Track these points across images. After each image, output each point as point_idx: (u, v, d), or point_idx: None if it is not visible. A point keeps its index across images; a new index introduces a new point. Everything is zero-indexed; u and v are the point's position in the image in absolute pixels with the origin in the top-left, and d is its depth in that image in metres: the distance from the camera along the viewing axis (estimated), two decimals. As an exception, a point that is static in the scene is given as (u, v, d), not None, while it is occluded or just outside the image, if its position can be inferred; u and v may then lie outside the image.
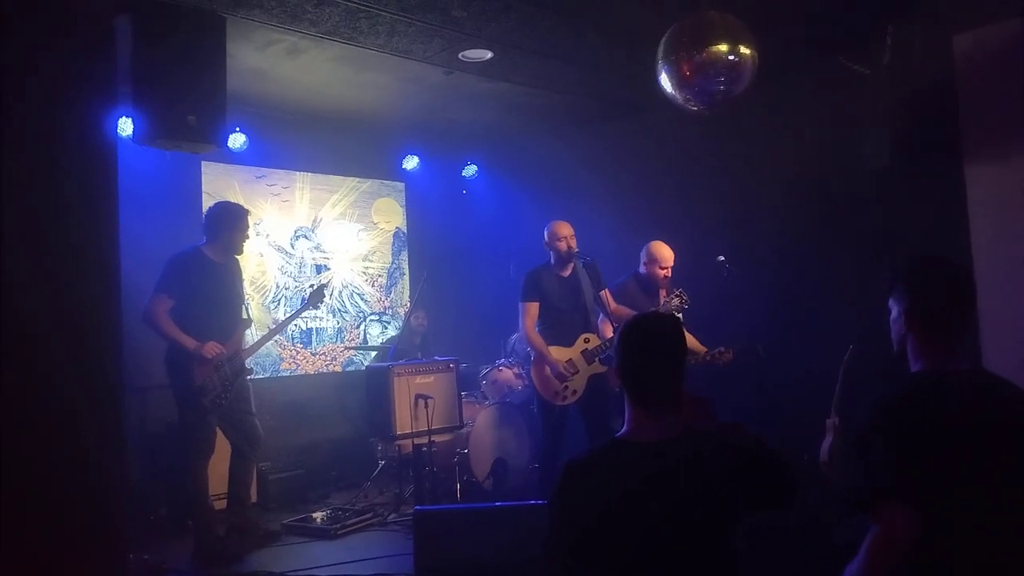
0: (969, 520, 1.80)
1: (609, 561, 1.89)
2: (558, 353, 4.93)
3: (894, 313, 2.05)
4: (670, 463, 1.90)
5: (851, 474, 1.90)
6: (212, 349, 4.65)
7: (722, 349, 5.02)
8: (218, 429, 4.85)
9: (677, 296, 4.83)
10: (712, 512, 1.87)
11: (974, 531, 1.80)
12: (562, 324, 4.98)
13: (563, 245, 4.99)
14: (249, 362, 5.00)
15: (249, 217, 5.02)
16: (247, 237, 4.98)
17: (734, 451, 1.95)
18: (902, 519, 1.77)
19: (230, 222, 4.87)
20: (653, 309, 4.89)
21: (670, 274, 5.21)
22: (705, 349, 5.09)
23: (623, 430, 2.02)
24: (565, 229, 5.02)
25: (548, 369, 4.90)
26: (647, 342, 2.04)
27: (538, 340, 4.94)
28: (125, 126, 5.27)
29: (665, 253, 5.21)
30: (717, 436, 1.99)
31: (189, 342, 4.62)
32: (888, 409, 1.87)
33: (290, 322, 5.76)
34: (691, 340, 5.20)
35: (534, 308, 4.99)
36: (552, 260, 5.10)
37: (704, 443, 1.96)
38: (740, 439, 1.99)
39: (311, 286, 5.72)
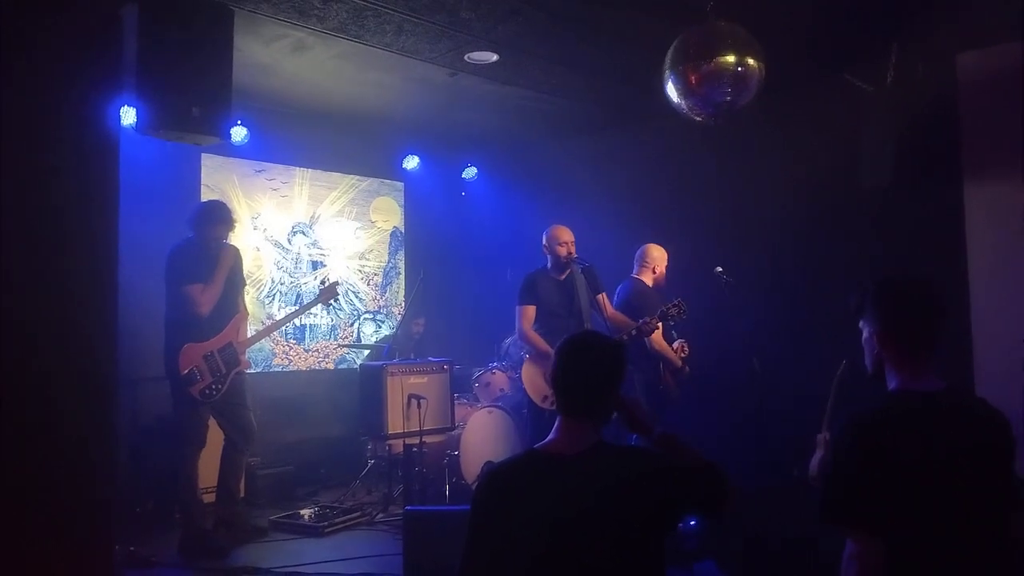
0: (936, 540, 1.83)
1: (517, 569, 1.91)
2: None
3: (865, 334, 2.09)
4: (577, 476, 1.94)
5: (827, 489, 1.92)
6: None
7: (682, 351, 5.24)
8: (213, 421, 4.84)
9: (675, 306, 4.83)
10: (618, 525, 1.88)
11: (941, 551, 1.83)
12: (557, 328, 4.98)
13: (563, 250, 5.00)
14: (248, 354, 4.98)
15: (232, 214, 5.06)
16: (231, 229, 5.01)
17: (643, 464, 1.98)
18: (873, 544, 1.82)
19: (211, 217, 4.90)
20: (645, 319, 4.88)
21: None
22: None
23: (546, 439, 2.07)
24: (566, 235, 5.04)
25: (540, 372, 4.90)
26: (575, 358, 2.09)
27: (538, 339, 4.95)
28: (127, 115, 5.24)
29: (664, 252, 5.37)
30: (627, 450, 2.05)
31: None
32: (862, 428, 1.90)
33: (297, 316, 5.72)
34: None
35: (531, 311, 5.01)
36: (549, 264, 5.11)
37: (615, 456, 2.00)
38: (647, 454, 2.04)
39: (322, 282, 5.69)
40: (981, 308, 4.76)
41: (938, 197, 4.94)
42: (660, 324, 4.89)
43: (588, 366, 2.07)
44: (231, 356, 4.82)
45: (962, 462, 1.86)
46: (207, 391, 4.69)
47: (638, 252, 5.42)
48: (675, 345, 5.23)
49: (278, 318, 6.17)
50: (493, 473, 2.09)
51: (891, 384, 2.01)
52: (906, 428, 1.87)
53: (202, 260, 4.77)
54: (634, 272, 5.39)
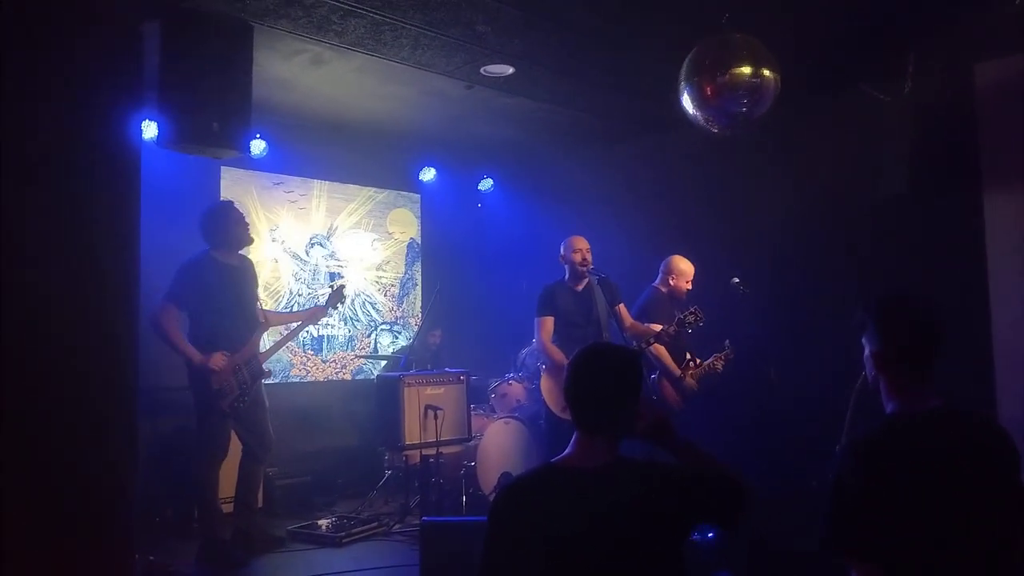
0: (946, 559, 1.81)
1: None
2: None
3: (866, 351, 2.08)
4: (593, 491, 1.93)
5: (827, 519, 1.90)
6: (218, 362, 4.62)
7: (727, 351, 5.10)
8: (232, 431, 4.86)
9: (692, 314, 4.82)
10: (634, 540, 1.88)
11: (951, 571, 1.81)
12: (576, 338, 4.98)
13: (578, 257, 5.02)
14: (267, 365, 5.01)
15: (238, 209, 5.01)
16: (247, 228, 4.97)
17: (658, 478, 1.97)
18: (875, 572, 1.80)
19: (222, 219, 4.87)
20: (664, 327, 4.89)
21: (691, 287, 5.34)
22: (699, 361, 5.18)
23: (563, 454, 2.06)
24: (581, 243, 5.07)
25: (558, 383, 4.90)
26: (589, 373, 2.09)
27: (556, 352, 4.95)
28: (148, 129, 5.31)
29: (689, 267, 5.37)
30: (644, 465, 2.02)
31: (195, 355, 4.59)
32: (861, 456, 1.89)
33: (308, 324, 5.75)
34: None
35: (549, 322, 5.02)
36: (567, 275, 5.13)
37: (631, 471, 1.98)
38: (663, 467, 2.02)
39: (330, 286, 5.72)
40: (1003, 321, 4.72)
41: (957, 207, 4.91)
42: (678, 331, 4.88)
43: (600, 377, 2.07)
44: (256, 368, 4.85)
45: (965, 480, 1.84)
46: (236, 403, 4.71)
47: (664, 261, 5.46)
48: (720, 354, 5.19)
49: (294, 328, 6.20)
50: (510, 488, 2.08)
51: (888, 407, 2.00)
52: (906, 451, 1.86)
53: (201, 282, 4.69)
54: (656, 280, 5.43)
